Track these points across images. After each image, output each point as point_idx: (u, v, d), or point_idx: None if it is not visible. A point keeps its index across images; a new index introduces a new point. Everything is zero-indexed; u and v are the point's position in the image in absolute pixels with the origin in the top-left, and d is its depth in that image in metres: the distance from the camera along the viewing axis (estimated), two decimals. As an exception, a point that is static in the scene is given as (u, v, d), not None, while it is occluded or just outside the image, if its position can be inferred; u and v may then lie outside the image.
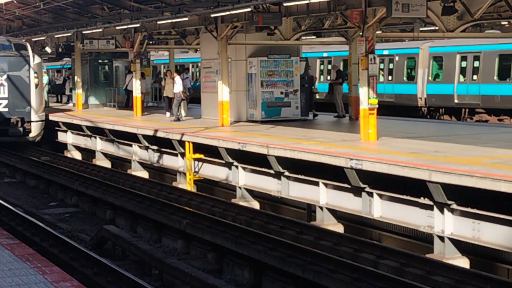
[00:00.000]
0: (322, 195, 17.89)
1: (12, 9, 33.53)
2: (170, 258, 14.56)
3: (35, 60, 31.49)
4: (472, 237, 14.08)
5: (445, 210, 14.45)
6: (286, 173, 19.18)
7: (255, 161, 20.24)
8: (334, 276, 12.65)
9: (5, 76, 30.79)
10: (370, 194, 16.40)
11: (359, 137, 19.79)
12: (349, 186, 16.97)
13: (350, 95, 26.69)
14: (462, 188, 13.92)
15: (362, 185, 16.51)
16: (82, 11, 32.57)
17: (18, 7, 32.54)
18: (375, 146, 18.48)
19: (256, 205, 20.75)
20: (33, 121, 31.21)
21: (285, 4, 21.76)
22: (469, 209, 14.12)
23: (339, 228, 17.59)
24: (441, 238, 14.58)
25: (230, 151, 21.13)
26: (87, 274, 13.67)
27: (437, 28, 21.28)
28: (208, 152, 22.30)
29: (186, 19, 26.50)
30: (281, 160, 19.03)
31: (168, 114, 30.04)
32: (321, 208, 17.95)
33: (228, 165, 21.57)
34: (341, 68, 33.89)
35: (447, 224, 14.47)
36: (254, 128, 24.15)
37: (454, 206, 14.35)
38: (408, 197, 15.48)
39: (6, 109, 30.81)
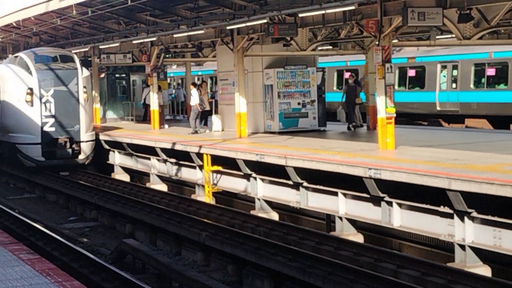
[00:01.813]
0: (341, 205, 17.84)
1: (30, 26, 33.70)
2: (190, 271, 14.56)
3: (83, 73, 28.99)
4: (493, 245, 13.99)
5: (466, 218, 14.37)
6: (305, 184, 19.15)
7: (274, 172, 20.22)
8: (355, 287, 12.61)
9: (51, 91, 28.06)
10: (390, 204, 16.34)
11: (377, 147, 19.74)
12: (368, 196, 16.91)
13: (368, 104, 26.65)
14: (482, 196, 13.84)
15: (381, 195, 16.46)
16: (99, 26, 32.73)
17: (35, 23, 32.69)
18: (394, 155, 18.42)
19: (275, 216, 20.72)
20: (82, 141, 28.44)
21: (300, 15, 21.78)
22: (489, 217, 14.03)
23: (359, 238, 17.53)
24: (462, 247, 14.49)
25: (248, 163, 21.13)
26: (107, 288, 13.70)
27: (453, 36, 21.21)
28: (227, 164, 22.31)
29: (202, 31, 26.58)
30: (300, 171, 19.00)
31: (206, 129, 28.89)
32: (340, 218, 17.90)
33: (247, 177, 21.56)
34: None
35: (467, 232, 14.38)
36: (271, 139, 24.14)
37: (475, 214, 14.27)
38: (428, 206, 15.41)
39: (53, 129, 27.94)
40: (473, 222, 14.34)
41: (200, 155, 23.35)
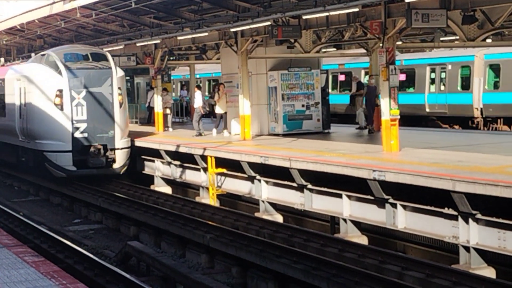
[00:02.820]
0: (345, 207, 17.84)
1: (34, 28, 33.74)
2: (195, 273, 14.56)
3: (117, 72, 26.29)
4: (498, 246, 13.97)
5: (470, 220, 14.36)
6: (309, 186, 19.15)
7: (278, 174, 20.22)
8: (359, 288, 12.60)
9: (83, 93, 25.44)
10: (394, 205, 16.33)
11: (382, 149, 19.73)
12: (372, 198, 16.91)
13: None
14: (487, 198, 13.82)
15: (386, 197, 16.45)
16: (103, 29, 32.76)
17: (40, 26, 32.73)
18: (398, 157, 18.41)
19: (279, 218, 20.72)
20: (117, 149, 25.84)
21: (304, 17, 21.78)
22: (494, 219, 14.02)
23: (363, 240, 17.52)
24: (467, 248, 14.48)
25: (252, 165, 21.13)
26: (112, 290, 13.70)
27: (457, 37, 21.21)
28: (231, 166, 22.32)
29: (206, 34, 26.59)
30: (304, 173, 19.00)
31: (216, 131, 28.16)
32: (344, 220, 17.89)
33: (251, 179, 21.56)
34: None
35: (472, 234, 14.37)
36: (276, 141, 24.14)
37: (479, 216, 14.25)
38: (432, 208, 15.40)
39: (85, 135, 25.33)
40: (477, 224, 14.32)
41: (204, 158, 23.36)
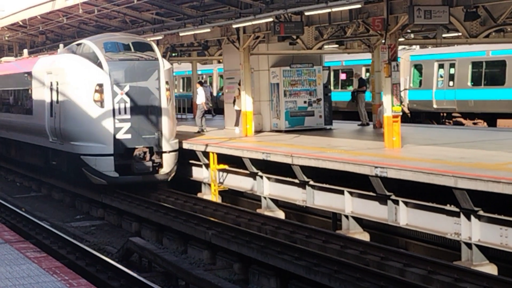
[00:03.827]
0: (347, 203, 17.84)
1: (36, 24, 33.78)
2: (196, 269, 14.59)
3: (165, 65, 22.97)
4: (500, 243, 13.97)
5: (472, 217, 14.36)
6: (311, 182, 19.15)
7: (280, 170, 20.23)
8: (361, 285, 12.60)
9: (126, 88, 22.14)
10: (396, 202, 16.33)
11: (384, 145, 19.73)
12: (374, 194, 16.91)
13: (374, 103, 26.63)
14: (489, 194, 13.82)
15: (388, 193, 16.45)
16: (105, 25, 32.77)
17: (42, 22, 32.76)
18: (400, 154, 18.41)
19: (281, 214, 20.73)
20: (165, 152, 22.55)
21: (306, 13, 21.77)
22: (496, 216, 14.01)
23: (365, 236, 17.53)
24: (468, 245, 14.48)
25: (254, 161, 21.14)
26: (114, 286, 13.73)
27: (460, 34, 21.19)
28: (233, 162, 22.32)
29: (208, 30, 26.59)
30: (306, 169, 19.01)
31: (237, 129, 26.96)
32: (346, 216, 17.90)
33: (253, 175, 21.57)
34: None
35: (474, 230, 14.37)
36: (278, 137, 24.14)
37: (481, 212, 14.26)
38: (434, 204, 15.40)
39: (129, 136, 21.98)
40: (479, 221, 14.32)
41: (206, 154, 23.36)
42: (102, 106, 22.11)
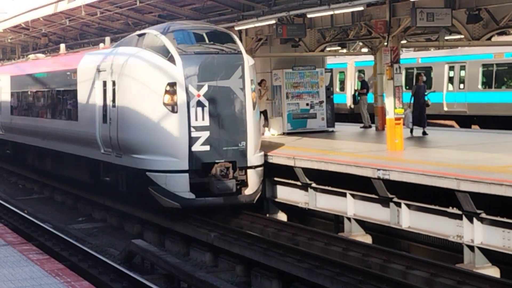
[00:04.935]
0: (349, 206, 17.83)
1: (38, 27, 33.81)
2: (199, 271, 14.58)
3: (249, 60, 18.89)
4: (503, 246, 13.95)
5: (474, 219, 14.34)
6: (313, 185, 19.14)
7: (282, 173, 20.21)
8: (363, 287, 12.60)
9: (204, 89, 17.99)
10: (398, 205, 16.32)
11: (386, 147, 19.72)
12: (376, 197, 16.90)
13: (376, 105, 26.62)
14: (492, 197, 13.81)
15: (390, 196, 16.44)
16: (107, 27, 32.80)
17: (44, 24, 32.79)
18: (402, 156, 18.41)
19: (283, 217, 20.71)
20: (251, 167, 18.48)
21: (309, 16, 21.78)
22: (498, 218, 14.00)
23: (367, 239, 17.52)
24: (471, 248, 14.46)
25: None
26: (116, 288, 13.72)
27: (462, 36, 21.19)
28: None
29: (211, 32, 26.55)
30: (308, 172, 18.99)
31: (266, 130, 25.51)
32: (349, 219, 17.89)
33: (255, 178, 21.48)
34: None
35: (476, 233, 14.35)
36: (280, 140, 24.12)
37: (484, 215, 14.24)
38: (437, 207, 15.39)
39: (207, 148, 17.93)
40: (482, 223, 14.30)
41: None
42: (174, 110, 18.02)
